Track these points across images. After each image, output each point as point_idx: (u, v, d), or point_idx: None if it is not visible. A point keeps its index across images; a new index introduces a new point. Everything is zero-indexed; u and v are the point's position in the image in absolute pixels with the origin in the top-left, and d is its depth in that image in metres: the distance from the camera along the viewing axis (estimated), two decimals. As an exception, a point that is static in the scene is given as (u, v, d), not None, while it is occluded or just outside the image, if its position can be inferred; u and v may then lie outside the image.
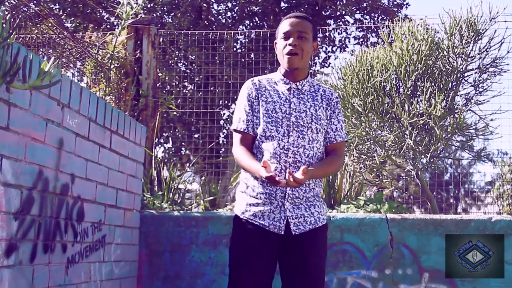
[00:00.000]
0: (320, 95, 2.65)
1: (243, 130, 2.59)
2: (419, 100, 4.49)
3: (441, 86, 4.48)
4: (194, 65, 10.42)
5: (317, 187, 2.59)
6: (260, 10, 14.40)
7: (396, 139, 4.56)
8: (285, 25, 2.60)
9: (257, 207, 2.52)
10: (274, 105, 2.57)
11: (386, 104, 4.59)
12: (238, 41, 12.76)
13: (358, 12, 15.16)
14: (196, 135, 11.04)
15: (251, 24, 14.62)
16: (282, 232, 2.49)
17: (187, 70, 11.28)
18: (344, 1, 14.60)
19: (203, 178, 5.99)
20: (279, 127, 2.54)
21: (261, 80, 2.66)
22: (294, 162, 2.50)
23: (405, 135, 4.54)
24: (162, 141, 11.49)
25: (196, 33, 7.19)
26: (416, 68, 4.47)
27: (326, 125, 2.63)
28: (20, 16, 4.37)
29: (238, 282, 2.50)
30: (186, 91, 9.52)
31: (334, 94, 2.69)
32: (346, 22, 15.60)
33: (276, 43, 2.68)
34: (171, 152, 11.64)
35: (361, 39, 14.91)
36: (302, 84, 2.63)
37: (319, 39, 14.70)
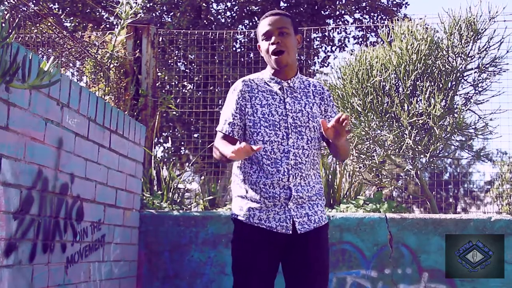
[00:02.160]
0: (311, 90, 2.62)
1: (227, 133, 2.55)
2: (418, 99, 4.49)
3: (441, 85, 4.48)
4: (193, 64, 10.42)
5: (317, 184, 2.57)
6: (259, 10, 14.40)
7: (396, 138, 4.56)
8: (264, 25, 2.56)
9: (261, 211, 2.50)
10: (270, 108, 2.53)
11: (386, 104, 4.59)
12: (238, 41, 12.76)
13: (357, 11, 15.16)
14: (195, 135, 11.05)
15: (251, 23, 14.62)
16: (290, 232, 2.47)
17: (186, 70, 11.28)
18: (343, 1, 14.61)
19: (202, 177, 5.99)
20: (277, 130, 2.51)
21: (252, 80, 2.60)
22: (296, 164, 2.49)
23: (405, 135, 4.54)
24: (161, 140, 11.48)
25: (196, 32, 7.19)
26: (415, 68, 4.48)
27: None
28: (19, 16, 4.37)
29: (246, 286, 2.49)
30: (186, 91, 9.52)
31: (324, 87, 2.67)
32: (346, 22, 15.60)
33: (259, 46, 2.62)
34: (170, 152, 11.63)
35: (361, 39, 14.91)
36: (293, 81, 2.59)
37: (318, 38, 14.80)
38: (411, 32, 4.59)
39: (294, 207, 2.49)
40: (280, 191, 2.48)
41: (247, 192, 2.55)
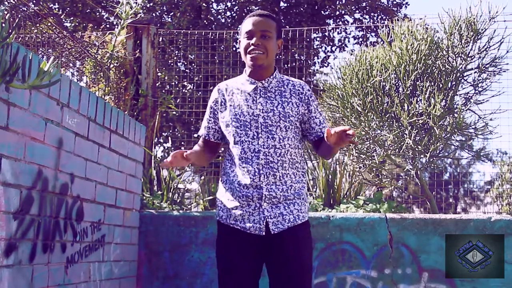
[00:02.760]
0: (289, 90, 2.62)
1: (203, 135, 2.71)
2: (418, 99, 4.49)
3: (441, 85, 4.48)
4: (193, 64, 10.41)
5: (296, 184, 2.58)
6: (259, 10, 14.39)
7: (396, 138, 4.56)
8: (248, 24, 2.59)
9: (237, 210, 2.54)
10: (241, 109, 2.57)
11: (386, 104, 4.59)
12: (238, 41, 12.76)
13: (357, 11, 15.17)
14: (195, 135, 11.03)
15: (251, 23, 14.59)
16: (263, 233, 2.49)
17: (186, 70, 11.28)
18: (344, 1, 14.61)
19: (202, 177, 5.99)
20: (248, 130, 2.54)
21: (228, 84, 2.68)
22: (267, 163, 2.51)
23: (405, 135, 4.54)
24: (161, 140, 11.48)
25: (196, 32, 7.19)
26: (415, 68, 4.47)
27: (308, 120, 2.62)
28: (19, 16, 4.37)
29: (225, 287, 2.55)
30: (186, 91, 9.52)
31: (305, 87, 2.65)
32: (346, 22, 15.60)
33: (239, 41, 2.67)
34: (170, 152, 11.62)
35: (361, 39, 14.92)
36: (268, 81, 2.61)
37: (318, 39, 14.79)
38: (411, 32, 4.59)
39: (268, 207, 2.51)
40: (252, 191, 2.51)
41: (225, 191, 2.61)
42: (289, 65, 10.92)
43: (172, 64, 9.89)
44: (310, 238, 2.62)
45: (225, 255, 2.57)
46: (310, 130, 2.64)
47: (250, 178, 2.50)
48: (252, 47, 2.56)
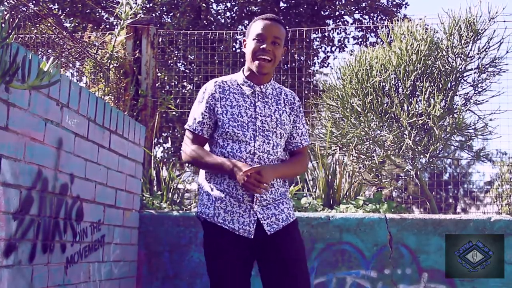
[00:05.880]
0: (282, 99, 2.67)
1: (197, 131, 2.63)
2: (418, 100, 4.49)
3: (440, 86, 4.48)
4: (193, 65, 10.42)
5: (282, 188, 2.62)
6: (259, 10, 14.41)
7: (395, 139, 4.56)
8: (260, 27, 2.56)
9: (226, 211, 2.52)
10: (240, 109, 2.56)
11: (385, 104, 4.59)
12: (237, 41, 12.77)
13: (357, 12, 15.18)
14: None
15: (250, 24, 14.62)
16: (252, 236, 2.47)
17: (186, 70, 11.28)
18: (343, 1, 14.62)
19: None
20: (245, 131, 2.53)
21: (225, 81, 2.64)
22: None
23: (404, 135, 4.54)
24: (161, 141, 11.49)
25: (195, 33, 7.19)
26: (415, 68, 4.48)
27: (291, 130, 2.67)
28: (19, 16, 4.37)
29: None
30: (185, 91, 9.52)
31: (296, 97, 2.72)
32: (345, 22, 15.61)
33: (245, 41, 2.64)
34: (170, 152, 11.63)
35: (360, 39, 14.93)
36: (265, 87, 2.63)
37: (318, 39, 14.80)
38: (411, 32, 4.60)
39: (259, 209, 2.51)
40: (243, 193, 2.50)
41: (212, 190, 2.57)
42: (288, 66, 10.92)
43: (171, 64, 9.89)
44: (301, 234, 2.66)
45: (218, 257, 2.51)
46: (291, 140, 2.68)
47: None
48: (261, 52, 2.54)
